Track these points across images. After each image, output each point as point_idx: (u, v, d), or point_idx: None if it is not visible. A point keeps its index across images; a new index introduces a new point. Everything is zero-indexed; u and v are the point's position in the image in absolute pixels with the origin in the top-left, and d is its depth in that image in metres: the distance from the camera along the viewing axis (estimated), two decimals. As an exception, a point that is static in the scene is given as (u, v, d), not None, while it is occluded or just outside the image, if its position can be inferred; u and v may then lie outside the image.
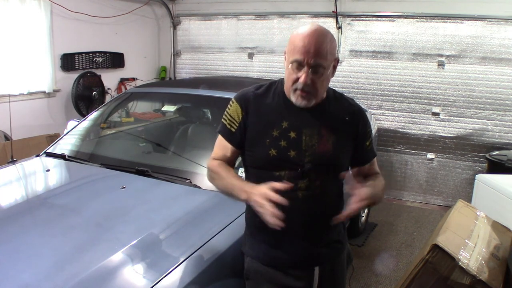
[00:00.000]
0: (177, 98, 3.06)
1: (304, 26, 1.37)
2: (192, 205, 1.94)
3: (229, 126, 1.49)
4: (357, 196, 1.30)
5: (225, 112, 1.51)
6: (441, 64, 4.50)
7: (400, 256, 3.48)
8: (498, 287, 1.95)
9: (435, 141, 4.68)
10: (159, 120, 3.49)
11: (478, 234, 2.28)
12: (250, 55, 5.38)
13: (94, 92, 4.64)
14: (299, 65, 1.34)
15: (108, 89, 4.98)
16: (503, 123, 4.37)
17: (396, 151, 4.88)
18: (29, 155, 2.67)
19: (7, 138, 3.68)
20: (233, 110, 1.49)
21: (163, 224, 1.78)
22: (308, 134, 1.42)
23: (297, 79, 1.36)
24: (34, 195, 2.16)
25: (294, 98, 1.40)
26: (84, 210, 1.90)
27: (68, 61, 4.49)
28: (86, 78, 4.58)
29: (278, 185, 1.28)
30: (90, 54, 4.75)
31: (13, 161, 2.50)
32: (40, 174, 2.40)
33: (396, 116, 4.79)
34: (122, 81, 5.26)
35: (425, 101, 4.63)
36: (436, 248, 1.96)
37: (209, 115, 3.16)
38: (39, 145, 3.54)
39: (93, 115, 2.99)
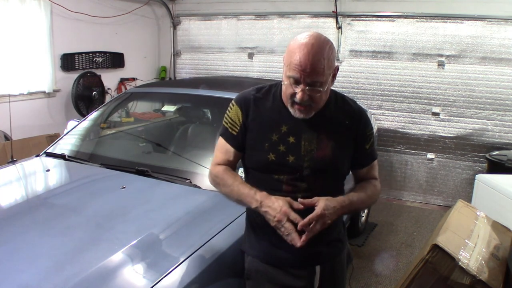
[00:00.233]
0: (177, 98, 3.06)
1: (302, 35, 1.34)
2: (192, 205, 1.94)
3: (230, 130, 1.49)
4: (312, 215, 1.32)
5: (226, 115, 1.51)
6: (441, 64, 4.50)
7: (400, 256, 3.48)
8: (498, 287, 1.95)
9: (435, 141, 4.68)
10: (159, 120, 3.49)
11: (478, 234, 2.28)
12: (250, 55, 5.38)
13: (94, 92, 4.64)
14: (296, 81, 1.33)
15: (108, 89, 4.99)
16: (503, 123, 4.37)
17: (396, 151, 4.88)
18: (29, 155, 2.67)
19: (7, 138, 3.68)
20: (234, 113, 1.48)
21: (163, 224, 1.78)
22: (307, 139, 1.42)
23: (294, 94, 1.35)
24: (34, 195, 2.16)
25: (292, 110, 1.40)
26: (84, 210, 1.90)
27: (68, 61, 4.49)
28: (86, 78, 4.58)
29: (295, 204, 1.33)
30: (90, 54, 4.75)
31: (13, 161, 2.50)
32: (40, 174, 2.40)
33: (396, 116, 4.79)
34: (122, 81, 5.26)
35: (425, 101, 4.63)
36: (436, 248, 1.96)
37: (209, 115, 3.16)
38: (39, 145, 3.54)
39: (93, 115, 2.99)
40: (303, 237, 1.31)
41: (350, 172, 1.57)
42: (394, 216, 4.34)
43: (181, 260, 1.53)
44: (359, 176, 1.56)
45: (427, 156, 4.75)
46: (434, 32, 4.47)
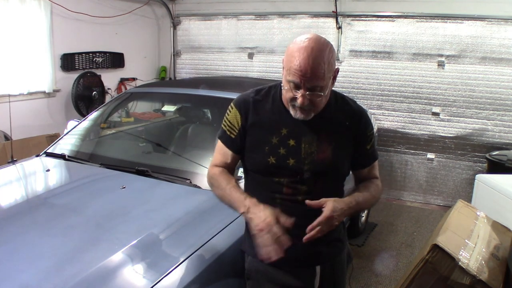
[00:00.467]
0: (177, 98, 3.06)
1: (302, 38, 1.32)
2: (192, 205, 1.94)
3: (228, 133, 1.48)
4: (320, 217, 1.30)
5: (225, 118, 1.51)
6: (441, 64, 4.50)
7: (400, 256, 3.48)
8: (498, 287, 1.95)
9: (435, 141, 4.68)
10: (159, 120, 3.50)
11: (478, 234, 2.28)
12: (250, 55, 5.38)
13: (94, 92, 4.64)
14: (296, 86, 1.32)
15: (108, 89, 4.99)
16: (503, 123, 4.37)
17: (396, 151, 4.88)
18: (29, 155, 2.67)
19: (7, 138, 3.68)
20: (233, 116, 1.48)
21: (163, 224, 1.78)
22: (307, 142, 1.41)
23: (295, 98, 1.34)
24: (34, 195, 2.16)
25: (292, 112, 1.39)
26: (84, 210, 1.90)
27: (68, 61, 4.49)
28: (86, 78, 4.58)
29: (284, 220, 1.28)
30: (90, 54, 4.75)
31: (13, 161, 2.50)
32: (40, 174, 2.40)
33: (396, 116, 4.79)
34: (122, 81, 5.26)
35: (425, 101, 4.63)
36: (436, 248, 1.96)
37: (209, 115, 3.17)
38: (39, 145, 3.54)
39: (93, 115, 2.99)
40: (307, 236, 1.31)
41: (350, 173, 1.57)
42: (394, 216, 4.34)
43: (181, 260, 1.53)
44: (360, 176, 1.56)
45: (427, 156, 4.75)
46: (434, 32, 4.47)
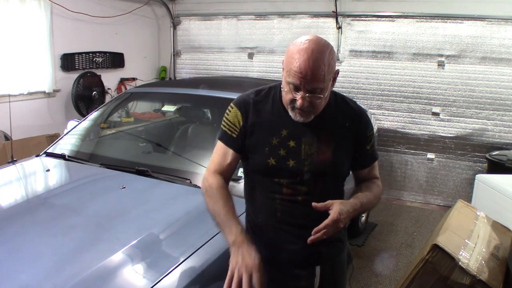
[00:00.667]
0: (177, 98, 3.06)
1: (302, 39, 1.31)
2: (192, 205, 1.94)
3: (230, 132, 1.46)
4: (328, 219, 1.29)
5: (224, 118, 1.49)
6: (441, 64, 4.50)
7: (400, 256, 3.48)
8: (498, 287, 1.95)
9: (435, 141, 4.68)
10: (159, 120, 3.50)
11: (478, 234, 2.28)
12: (250, 55, 5.38)
13: (94, 92, 4.64)
14: (296, 88, 1.31)
15: (108, 89, 4.99)
16: (503, 123, 4.37)
17: (396, 151, 4.88)
18: (29, 155, 2.67)
19: (7, 138, 3.68)
20: (233, 115, 1.46)
21: (163, 224, 1.78)
22: (307, 143, 1.41)
23: (295, 100, 1.33)
24: (34, 195, 2.17)
25: (292, 114, 1.38)
26: (84, 210, 1.90)
27: (68, 61, 4.49)
28: (86, 78, 4.58)
29: (256, 277, 1.27)
30: (90, 54, 4.75)
31: (13, 161, 2.50)
32: (40, 174, 2.40)
33: (396, 116, 4.79)
34: (122, 81, 5.26)
35: (425, 101, 4.63)
36: (436, 248, 1.96)
37: (209, 115, 3.17)
38: (39, 145, 3.54)
39: (93, 115, 2.99)
40: (312, 237, 1.30)
41: (350, 173, 1.57)
42: (394, 216, 4.34)
43: (181, 260, 1.53)
44: (360, 176, 1.56)
45: (427, 156, 4.75)
46: (434, 32, 4.47)
